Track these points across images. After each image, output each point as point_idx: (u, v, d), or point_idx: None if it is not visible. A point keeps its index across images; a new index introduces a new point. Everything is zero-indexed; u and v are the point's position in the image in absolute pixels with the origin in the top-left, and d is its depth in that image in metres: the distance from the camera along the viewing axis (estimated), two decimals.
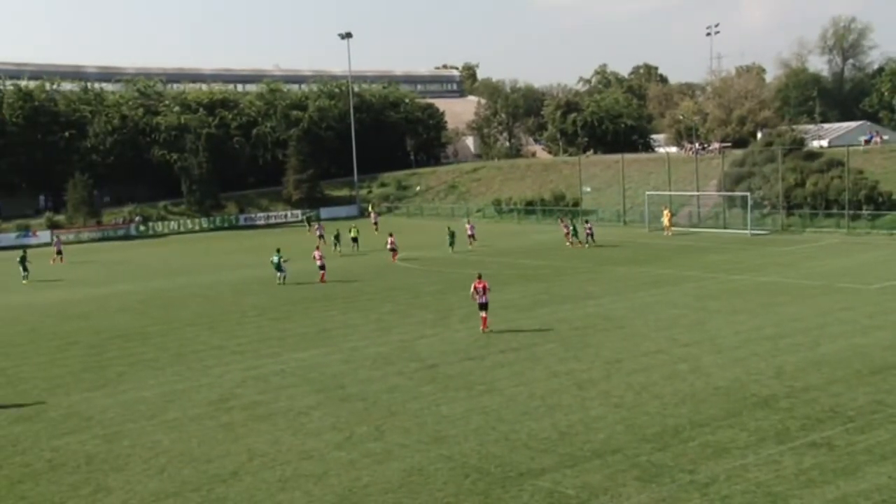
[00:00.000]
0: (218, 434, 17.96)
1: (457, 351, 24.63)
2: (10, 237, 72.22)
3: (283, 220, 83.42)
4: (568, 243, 50.54)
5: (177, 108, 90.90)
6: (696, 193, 62.53)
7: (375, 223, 68.06)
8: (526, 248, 51.40)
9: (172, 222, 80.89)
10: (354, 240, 53.77)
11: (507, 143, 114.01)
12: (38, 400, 21.44)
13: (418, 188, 37.26)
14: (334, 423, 18.29)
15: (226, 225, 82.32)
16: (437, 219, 78.16)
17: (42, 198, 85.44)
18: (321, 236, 57.19)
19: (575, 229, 51.40)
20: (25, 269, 46.81)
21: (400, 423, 18.06)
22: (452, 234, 49.91)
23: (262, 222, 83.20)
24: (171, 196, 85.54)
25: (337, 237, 53.26)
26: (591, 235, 50.56)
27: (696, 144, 75.77)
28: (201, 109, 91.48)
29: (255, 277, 42.86)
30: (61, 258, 56.39)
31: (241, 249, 60.01)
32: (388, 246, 47.83)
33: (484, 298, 26.97)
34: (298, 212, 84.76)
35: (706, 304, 30.34)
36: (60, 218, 77.63)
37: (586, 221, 53.25)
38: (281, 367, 23.80)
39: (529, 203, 73.38)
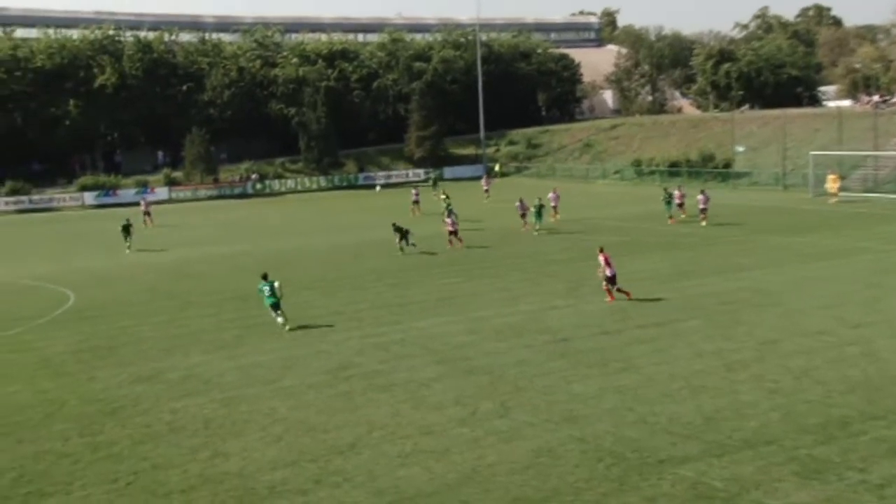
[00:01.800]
0: (336, 403, 18.52)
1: (590, 324, 24.37)
2: (130, 193, 76.52)
3: (405, 180, 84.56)
4: (669, 218, 45.92)
5: (295, 60, 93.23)
6: (873, 153, 59.08)
7: (487, 189, 63.92)
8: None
9: (289, 180, 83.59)
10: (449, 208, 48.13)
11: (650, 98, 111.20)
12: (157, 360, 22.73)
13: (377, 187, 32.91)
14: (457, 397, 18.50)
15: (344, 184, 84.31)
16: (569, 180, 77.40)
17: (160, 153, 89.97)
18: (416, 202, 54.61)
19: (671, 199, 46.48)
20: (129, 236, 45.39)
21: (528, 400, 18.08)
22: (540, 207, 44.50)
23: (381, 182, 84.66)
24: (288, 153, 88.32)
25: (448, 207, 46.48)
26: (705, 210, 44.42)
27: (876, 97, 71.47)
28: (320, 61, 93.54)
29: (374, 240, 43.72)
30: (150, 220, 55.96)
31: (360, 210, 61.36)
32: (520, 211, 45.59)
33: (611, 271, 26.82)
34: (420, 171, 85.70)
35: (882, 279, 28.72)
36: (178, 174, 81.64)
37: (702, 192, 46.19)
38: (401, 335, 24.20)
39: (673, 164, 71.40)
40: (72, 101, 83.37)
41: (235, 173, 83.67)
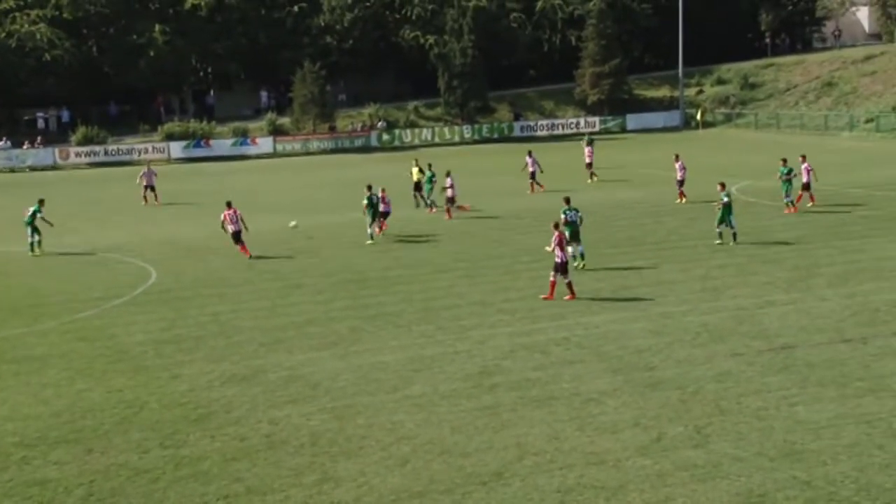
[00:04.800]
0: (478, 420, 18.71)
1: (824, 328, 23.78)
2: (226, 145, 79.28)
3: (574, 131, 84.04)
4: None
5: None
6: None
7: (590, 162, 56.29)
8: None
9: (425, 130, 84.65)
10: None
11: None
12: (255, 357, 23.57)
13: (293, 224, 31.29)
14: (637, 418, 18.41)
15: (495, 136, 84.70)
16: (800, 133, 75.03)
17: (264, 94, 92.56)
18: (533, 174, 51.73)
19: None
20: (35, 233, 38.16)
21: (733, 426, 17.83)
22: (789, 174, 40.76)
23: (544, 132, 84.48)
24: (423, 94, 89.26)
25: None
26: None
27: None
28: None
29: (534, 210, 43.72)
30: (155, 196, 52.96)
31: (514, 170, 61.31)
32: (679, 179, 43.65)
33: (562, 257, 27.42)
34: (595, 119, 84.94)
35: None
36: (285, 121, 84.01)
37: None
38: (564, 334, 24.22)
39: None
40: (157, 27, 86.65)
41: (357, 120, 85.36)
